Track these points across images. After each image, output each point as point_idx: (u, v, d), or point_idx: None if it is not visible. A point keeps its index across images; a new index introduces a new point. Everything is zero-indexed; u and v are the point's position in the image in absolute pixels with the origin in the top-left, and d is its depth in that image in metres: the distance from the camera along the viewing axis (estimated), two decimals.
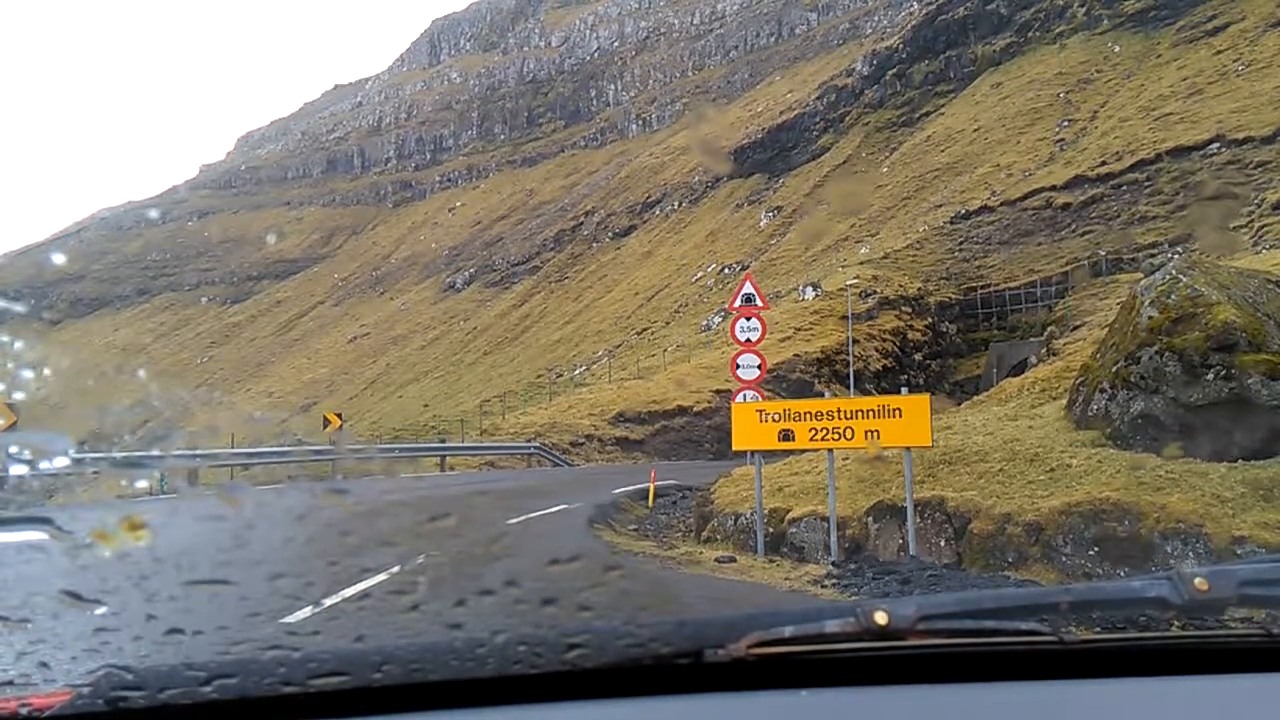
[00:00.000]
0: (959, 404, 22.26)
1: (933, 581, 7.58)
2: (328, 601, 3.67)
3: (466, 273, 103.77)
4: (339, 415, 33.13)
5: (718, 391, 32.60)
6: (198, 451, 16.85)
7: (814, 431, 9.57)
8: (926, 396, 10.07)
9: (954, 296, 43.87)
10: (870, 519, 9.79)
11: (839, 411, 9.53)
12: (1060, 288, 38.99)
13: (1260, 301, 10.20)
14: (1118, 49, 62.38)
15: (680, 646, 1.28)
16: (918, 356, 40.20)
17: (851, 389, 31.92)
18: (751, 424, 10.16)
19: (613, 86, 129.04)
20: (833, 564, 9.07)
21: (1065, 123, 57.50)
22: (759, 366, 15.69)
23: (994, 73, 71.06)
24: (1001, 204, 49.31)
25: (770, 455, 11.77)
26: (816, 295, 42.51)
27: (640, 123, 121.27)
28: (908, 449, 9.21)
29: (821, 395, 21.42)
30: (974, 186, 54.44)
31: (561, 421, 33.32)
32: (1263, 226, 33.55)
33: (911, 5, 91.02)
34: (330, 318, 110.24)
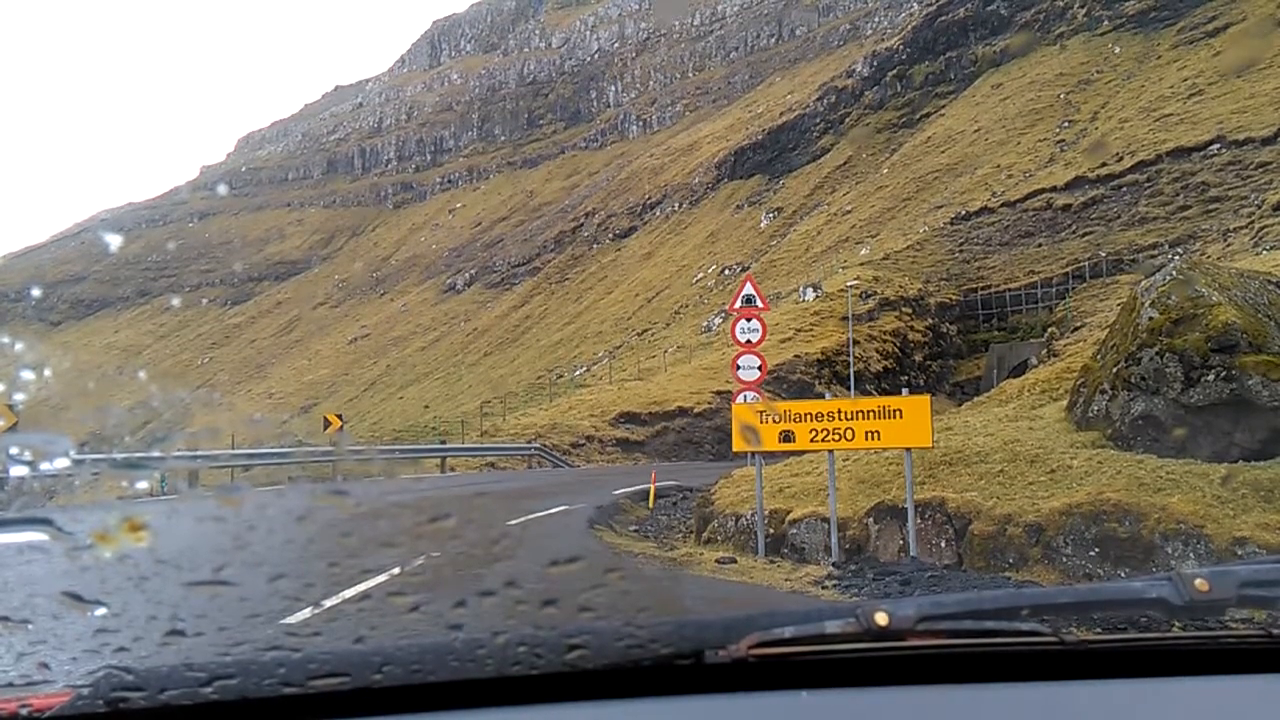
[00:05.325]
0: (959, 405, 22.26)
1: (933, 583, 7.58)
2: (328, 603, 3.67)
3: (467, 274, 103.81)
4: (339, 416, 33.10)
5: (718, 392, 32.60)
6: (198, 453, 16.86)
7: (814, 433, 9.56)
8: (927, 397, 10.07)
9: (954, 297, 43.87)
10: (871, 520, 9.79)
11: (839, 413, 9.52)
12: (1060, 289, 38.99)
13: (1261, 303, 10.20)
14: (1118, 50, 62.39)
15: (680, 647, 1.28)
16: (918, 357, 40.17)
17: (852, 390, 31.90)
18: (752, 425, 10.17)
19: (613, 88, 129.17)
20: (833, 565, 9.06)
21: (1065, 124, 57.52)
22: (759, 368, 15.70)
23: (994, 74, 71.09)
24: (1002, 205, 49.29)
25: (771, 456, 11.76)
26: (817, 296, 42.50)
27: (641, 124, 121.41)
28: (908, 450, 9.21)
29: (822, 396, 21.39)
30: (974, 187, 54.44)
31: (562, 423, 33.31)
32: (1263, 228, 33.52)
33: (912, 6, 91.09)
34: (331, 319, 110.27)
